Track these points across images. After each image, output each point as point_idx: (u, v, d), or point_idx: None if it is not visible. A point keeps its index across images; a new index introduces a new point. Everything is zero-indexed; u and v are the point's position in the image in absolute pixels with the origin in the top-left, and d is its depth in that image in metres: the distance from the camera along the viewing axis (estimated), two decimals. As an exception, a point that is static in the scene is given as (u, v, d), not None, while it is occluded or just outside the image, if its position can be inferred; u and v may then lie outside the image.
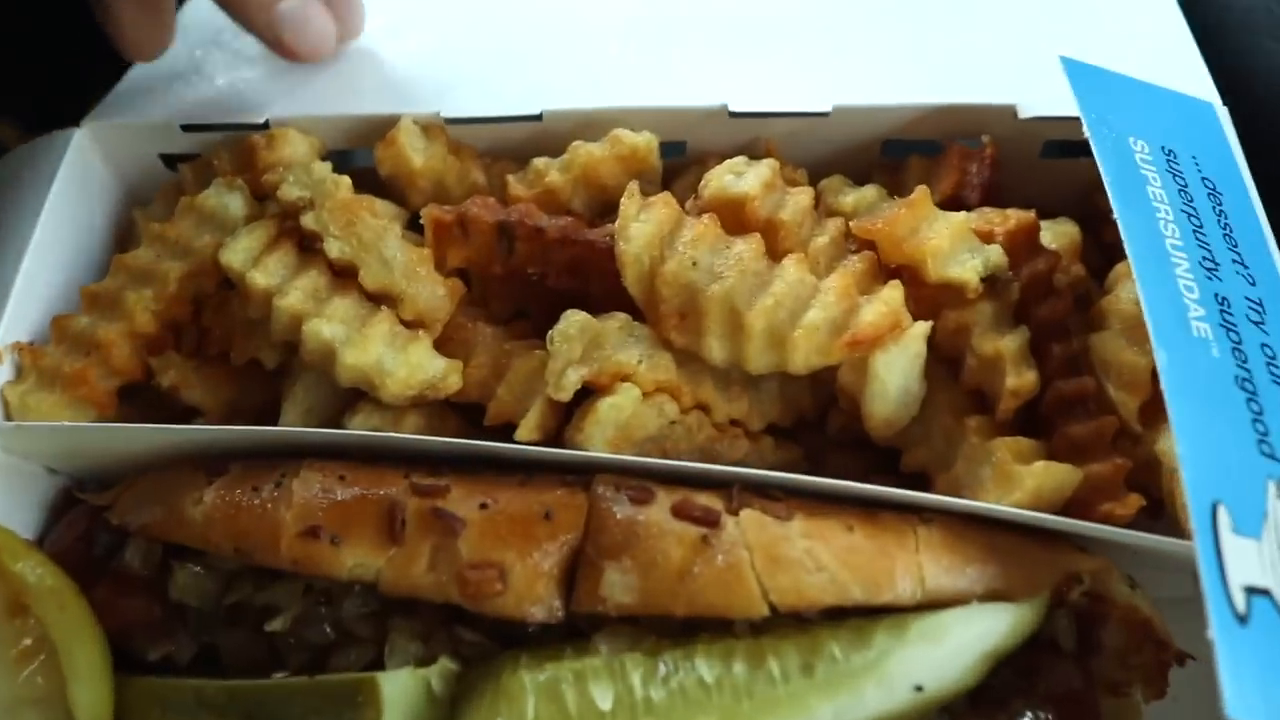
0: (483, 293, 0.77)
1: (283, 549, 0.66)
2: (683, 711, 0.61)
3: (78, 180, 0.86)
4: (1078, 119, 0.80)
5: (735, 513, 0.65)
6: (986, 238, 0.79)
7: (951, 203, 0.83)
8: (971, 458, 0.71)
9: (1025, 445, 0.71)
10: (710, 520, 0.65)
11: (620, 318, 0.71)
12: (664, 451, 0.71)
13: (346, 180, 0.77)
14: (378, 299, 0.71)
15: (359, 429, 0.74)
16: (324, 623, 0.68)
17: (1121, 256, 0.83)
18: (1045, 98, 0.85)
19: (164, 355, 0.79)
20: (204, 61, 0.92)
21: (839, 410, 0.78)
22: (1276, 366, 0.71)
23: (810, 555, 0.64)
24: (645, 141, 0.81)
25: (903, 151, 0.90)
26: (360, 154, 0.90)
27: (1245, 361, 0.70)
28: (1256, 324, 0.73)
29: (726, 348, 0.70)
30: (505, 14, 0.96)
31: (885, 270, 0.77)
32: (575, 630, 0.67)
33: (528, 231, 0.71)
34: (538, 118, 0.85)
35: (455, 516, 0.65)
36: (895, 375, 0.70)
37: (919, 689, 0.62)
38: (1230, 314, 0.72)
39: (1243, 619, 0.56)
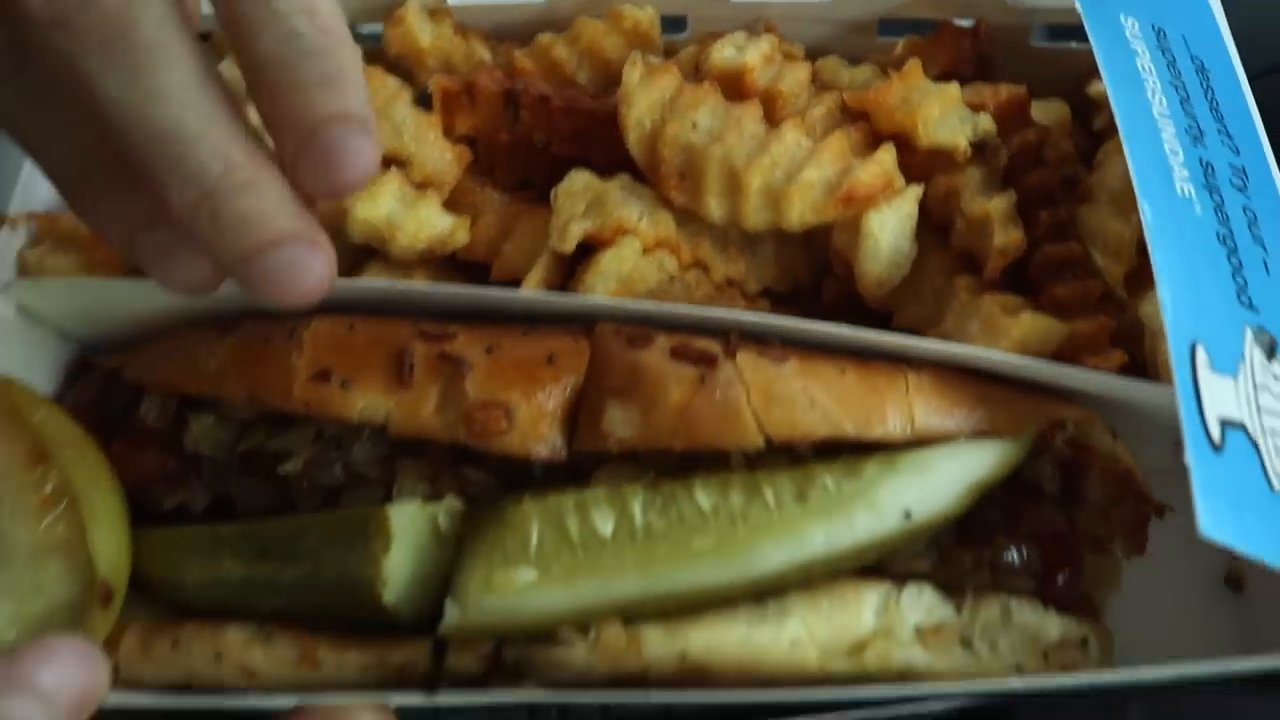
0: (489, 163, 0.79)
1: (295, 392, 0.69)
2: (681, 535, 0.64)
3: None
4: (1070, 6, 0.82)
5: (732, 355, 0.68)
6: (977, 109, 0.81)
7: (944, 79, 0.85)
8: (960, 313, 0.74)
9: (1012, 300, 0.74)
10: (708, 360, 0.67)
11: (622, 178, 0.74)
12: (663, 308, 0.74)
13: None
14: (387, 161, 0.74)
15: (369, 286, 0.76)
16: (334, 465, 0.70)
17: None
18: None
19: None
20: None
21: (834, 278, 0.81)
22: (1258, 227, 0.74)
23: (804, 392, 0.67)
24: (648, 16, 0.83)
25: (899, 32, 0.92)
26: (367, 39, 0.92)
27: (1227, 220, 0.73)
28: (1239, 189, 0.76)
29: (725, 206, 0.73)
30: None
31: (878, 139, 0.79)
32: (577, 472, 0.69)
33: (533, 100, 0.73)
34: (543, -1, 0.87)
35: (462, 359, 0.68)
36: (887, 234, 0.73)
37: (908, 515, 0.65)
38: (1214, 178, 0.75)
39: (1217, 447, 0.59)
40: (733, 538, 0.64)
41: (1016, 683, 0.67)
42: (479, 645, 0.66)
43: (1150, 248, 0.64)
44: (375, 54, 0.87)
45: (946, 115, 0.78)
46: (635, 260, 0.71)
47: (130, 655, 0.72)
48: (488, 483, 0.70)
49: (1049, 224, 0.79)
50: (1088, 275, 0.79)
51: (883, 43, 0.92)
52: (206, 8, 0.55)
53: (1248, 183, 0.77)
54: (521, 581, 0.64)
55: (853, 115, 0.80)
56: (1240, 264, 0.69)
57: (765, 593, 0.65)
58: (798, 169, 0.71)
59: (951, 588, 0.69)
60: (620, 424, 0.66)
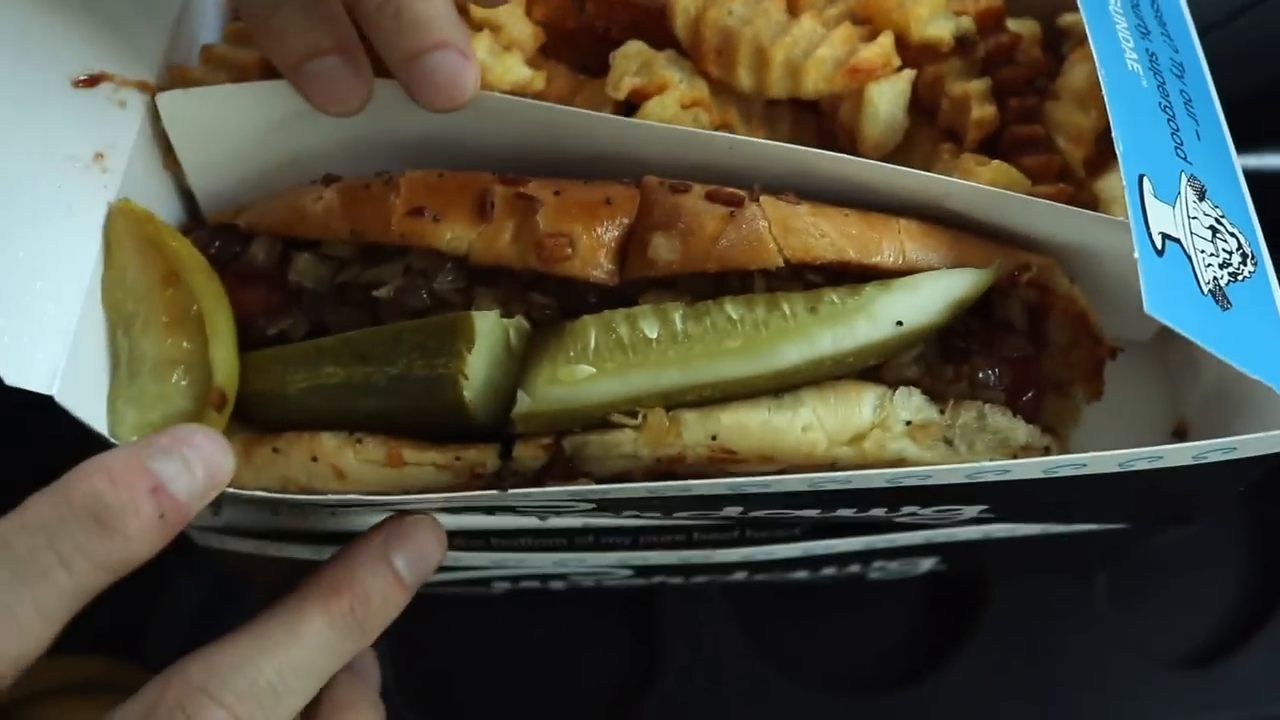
0: (556, 46, 0.94)
1: (393, 225, 0.81)
2: (714, 338, 0.77)
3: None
4: None
5: (756, 199, 0.81)
6: (960, 15, 0.96)
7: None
8: (942, 170, 0.88)
9: (985, 158, 0.88)
10: (736, 202, 0.81)
11: (669, 51, 0.89)
12: (696, 157, 0.88)
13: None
14: (480, 27, 0.88)
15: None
16: (421, 291, 0.82)
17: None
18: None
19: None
20: None
21: (838, 150, 0.95)
22: (1193, 107, 0.88)
23: (815, 226, 0.80)
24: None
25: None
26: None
27: (1167, 96, 0.87)
28: (1178, 76, 0.90)
29: (753, 76, 0.88)
30: None
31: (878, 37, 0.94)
32: (625, 301, 0.82)
33: None
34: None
35: (535, 198, 0.81)
36: (885, 102, 0.88)
37: (899, 323, 0.78)
38: (1158, 65, 0.89)
39: (1160, 252, 0.73)
40: (757, 339, 0.77)
41: (989, 466, 0.77)
42: (541, 438, 0.78)
43: (1106, 99, 0.77)
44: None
45: (934, 15, 0.93)
46: (675, 110, 0.86)
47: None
48: (551, 307, 0.82)
49: (1018, 110, 0.94)
50: (1050, 153, 0.93)
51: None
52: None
53: (1184, 75, 0.91)
54: (581, 375, 0.77)
55: (858, 19, 0.94)
56: (1177, 128, 0.83)
57: (783, 389, 0.79)
58: (813, 48, 0.86)
59: (936, 395, 0.81)
60: (664, 250, 0.80)
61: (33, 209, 0.79)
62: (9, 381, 0.69)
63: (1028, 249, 0.88)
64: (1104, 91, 0.79)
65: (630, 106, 0.91)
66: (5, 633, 0.56)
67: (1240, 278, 0.79)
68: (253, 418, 0.85)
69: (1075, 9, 1.06)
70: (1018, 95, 0.96)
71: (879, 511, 0.87)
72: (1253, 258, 0.80)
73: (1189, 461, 0.76)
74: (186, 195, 0.95)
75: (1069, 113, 0.96)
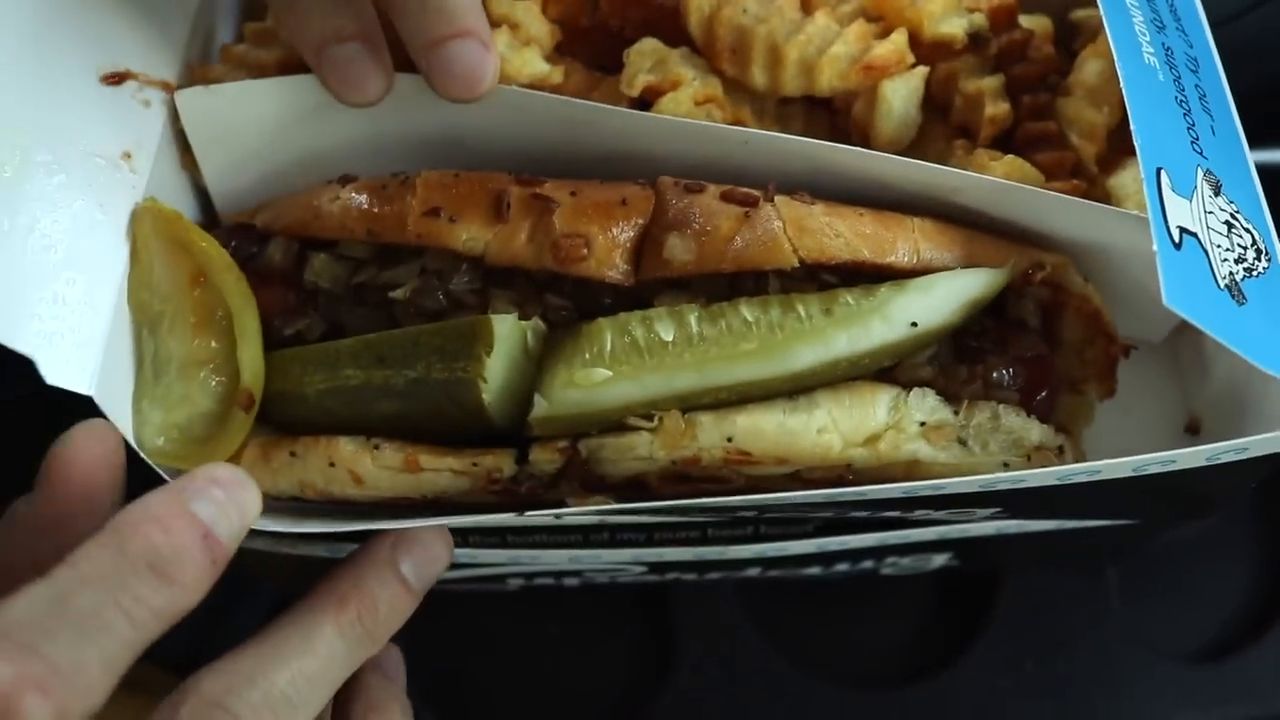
0: (570, 45, 0.94)
1: (409, 226, 0.82)
2: (730, 341, 0.78)
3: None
4: None
5: (770, 199, 0.82)
6: (972, 12, 0.96)
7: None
8: (956, 166, 0.88)
9: (999, 153, 0.88)
10: (750, 202, 0.81)
11: (682, 49, 0.89)
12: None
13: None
14: (499, 23, 0.88)
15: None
16: (437, 292, 0.83)
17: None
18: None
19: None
20: None
21: (850, 148, 0.96)
22: (1207, 102, 0.88)
23: (830, 226, 0.80)
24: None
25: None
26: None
27: (1183, 90, 0.87)
28: (1192, 71, 0.90)
29: (767, 75, 0.88)
30: None
31: (891, 34, 0.94)
32: (639, 303, 0.82)
33: None
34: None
35: (551, 199, 0.81)
36: (899, 100, 0.87)
37: (914, 325, 0.78)
38: (1173, 60, 0.89)
39: (1177, 245, 0.73)
40: (772, 341, 0.77)
41: (1003, 477, 0.77)
42: (557, 441, 0.78)
43: (1125, 95, 0.77)
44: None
45: (947, 12, 0.93)
46: (689, 107, 0.86)
47: (252, 464, 0.83)
48: (567, 308, 0.82)
49: (1030, 106, 0.94)
50: (1063, 149, 0.93)
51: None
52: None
53: (1199, 69, 0.91)
54: (598, 378, 0.77)
55: (871, 17, 0.94)
56: (1193, 123, 0.83)
57: (797, 390, 0.79)
58: (827, 45, 0.85)
59: (950, 395, 0.81)
60: (680, 250, 0.80)
61: (67, 207, 0.78)
62: (50, 380, 0.69)
63: (1041, 247, 0.88)
64: (1122, 85, 0.79)
65: (644, 104, 0.91)
66: (76, 691, 0.56)
67: (1255, 273, 0.79)
68: (269, 417, 0.86)
69: (1087, 4, 1.06)
70: (1030, 92, 0.96)
71: (893, 512, 0.88)
72: (1267, 253, 0.80)
73: (1202, 463, 0.77)
74: (201, 195, 0.96)
75: (1081, 109, 0.95)
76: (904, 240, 0.82)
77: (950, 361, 0.83)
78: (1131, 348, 0.93)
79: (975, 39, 0.93)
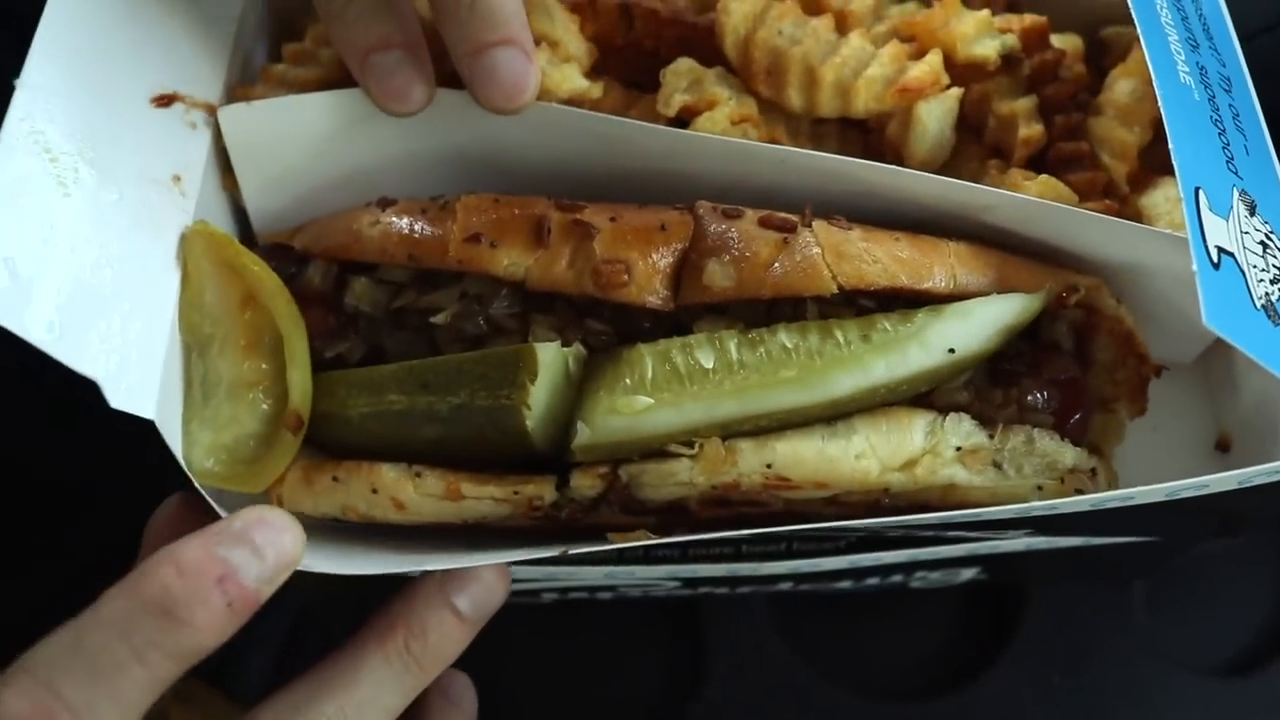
0: (605, 64, 0.95)
1: (451, 252, 0.82)
2: (769, 368, 0.78)
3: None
4: None
5: (809, 224, 0.82)
6: (1005, 32, 0.96)
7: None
8: (990, 186, 0.89)
9: (1032, 173, 0.89)
10: (789, 228, 0.82)
11: (718, 69, 0.90)
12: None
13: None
14: (539, 41, 0.88)
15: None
16: (477, 317, 0.83)
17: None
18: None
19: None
20: None
21: (884, 168, 0.96)
22: (1240, 121, 0.89)
23: (868, 252, 0.81)
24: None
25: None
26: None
27: (1217, 110, 0.87)
28: (1225, 90, 0.90)
29: (803, 97, 0.89)
30: None
31: (924, 55, 0.94)
32: (678, 328, 0.83)
33: (645, 13, 0.90)
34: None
35: (591, 225, 0.82)
36: (934, 121, 0.88)
37: (951, 351, 0.79)
38: (1208, 79, 0.89)
39: (1216, 266, 0.74)
40: (811, 368, 0.78)
41: (1037, 506, 0.78)
42: (598, 467, 0.79)
43: (1163, 113, 0.78)
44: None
45: (980, 34, 0.93)
46: (725, 126, 0.87)
47: (294, 487, 0.85)
48: (607, 333, 0.83)
49: (1063, 127, 0.94)
50: (1095, 169, 0.94)
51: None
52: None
53: (1232, 88, 0.91)
54: (640, 405, 0.78)
55: (904, 37, 0.95)
56: (1228, 142, 0.84)
57: (836, 416, 0.80)
58: (863, 67, 0.86)
59: (985, 419, 0.82)
60: (719, 276, 0.80)
61: (123, 229, 0.79)
62: (114, 404, 0.70)
63: (1074, 269, 0.89)
64: (1160, 104, 0.80)
65: (680, 123, 0.92)
66: None
67: (1290, 294, 0.79)
68: (312, 437, 0.86)
69: (1117, 20, 1.07)
70: (1062, 111, 0.96)
71: (926, 532, 0.88)
72: (1300, 274, 0.81)
73: (1234, 487, 0.77)
74: (239, 215, 0.96)
75: (1112, 128, 0.96)
76: (940, 265, 0.83)
77: (986, 385, 0.84)
78: (1163, 368, 0.93)
79: (1008, 60, 0.94)
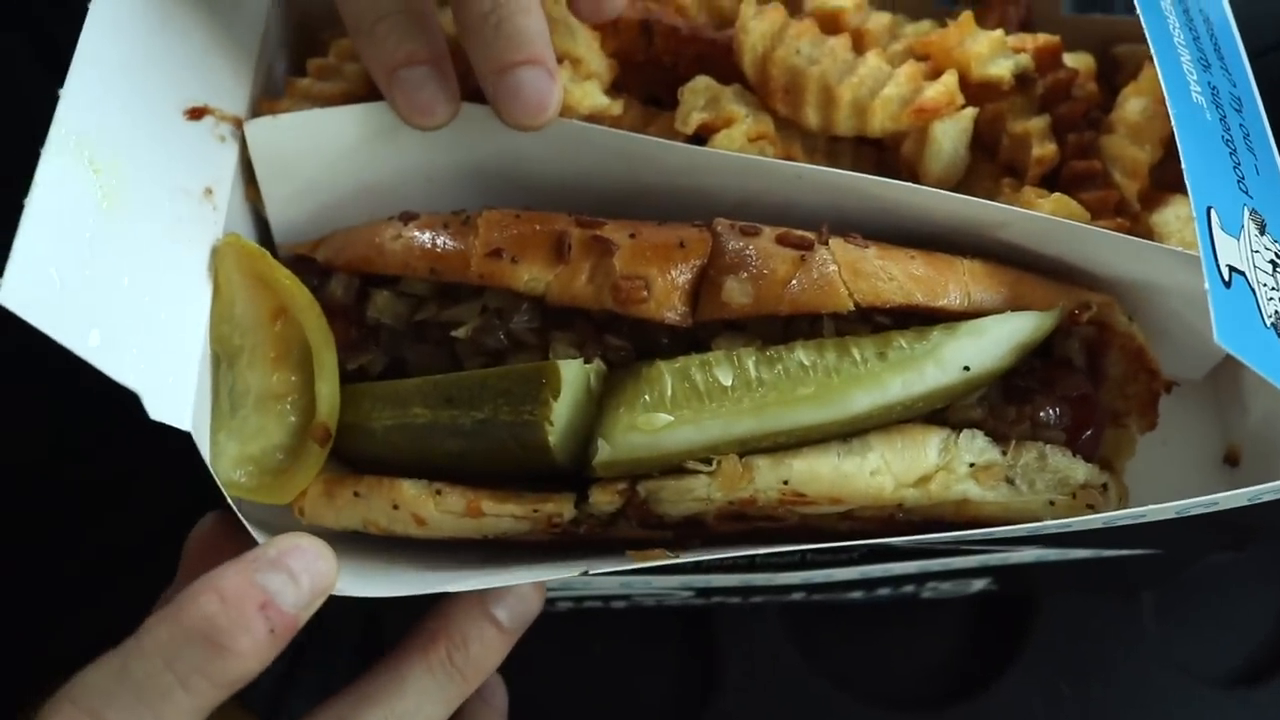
0: (625, 79, 0.96)
1: (472, 266, 0.83)
2: (787, 385, 0.79)
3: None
4: None
5: (825, 242, 0.83)
6: (1018, 52, 0.97)
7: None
8: (1004, 204, 0.90)
9: (1046, 191, 0.90)
10: (806, 245, 0.83)
11: (735, 86, 0.91)
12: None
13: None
14: (561, 58, 0.90)
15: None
16: (498, 332, 0.85)
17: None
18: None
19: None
20: None
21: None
22: (1250, 141, 0.90)
23: (884, 269, 0.82)
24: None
25: (953, 3, 1.08)
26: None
27: (1228, 130, 0.88)
28: (1236, 110, 0.91)
29: (820, 115, 0.90)
30: None
31: (939, 74, 0.95)
32: (696, 344, 0.83)
33: (665, 29, 0.92)
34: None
35: (611, 241, 0.83)
36: (949, 140, 0.90)
37: (967, 369, 0.80)
38: (1219, 99, 0.90)
39: (1227, 284, 0.75)
40: (829, 386, 0.79)
41: (1050, 524, 0.79)
42: (617, 483, 0.80)
43: (1176, 132, 0.79)
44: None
45: (994, 54, 0.94)
46: (742, 143, 0.89)
47: (315, 501, 0.86)
48: (626, 349, 0.83)
49: (1075, 145, 0.96)
50: (1108, 187, 0.95)
51: (937, 11, 1.08)
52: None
53: (1242, 108, 0.92)
54: (660, 423, 0.78)
55: (919, 56, 0.96)
56: (1238, 162, 0.85)
57: (852, 433, 0.81)
58: (880, 87, 0.88)
59: (998, 436, 0.82)
60: (737, 293, 0.82)
61: (159, 241, 0.80)
62: (153, 416, 0.71)
63: (1086, 286, 0.90)
64: (1173, 124, 0.81)
65: (698, 140, 0.93)
66: None
67: (1298, 313, 0.80)
68: (334, 448, 0.87)
69: (1129, 39, 1.08)
70: (1074, 129, 0.97)
71: (940, 546, 0.90)
72: (1309, 293, 0.82)
73: (1245, 504, 0.78)
74: (261, 226, 0.98)
75: (1124, 146, 0.97)
76: (955, 283, 0.84)
77: (999, 402, 0.85)
78: (1174, 383, 0.94)
79: (1022, 79, 0.95)
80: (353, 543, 0.88)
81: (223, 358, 0.84)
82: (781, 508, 0.81)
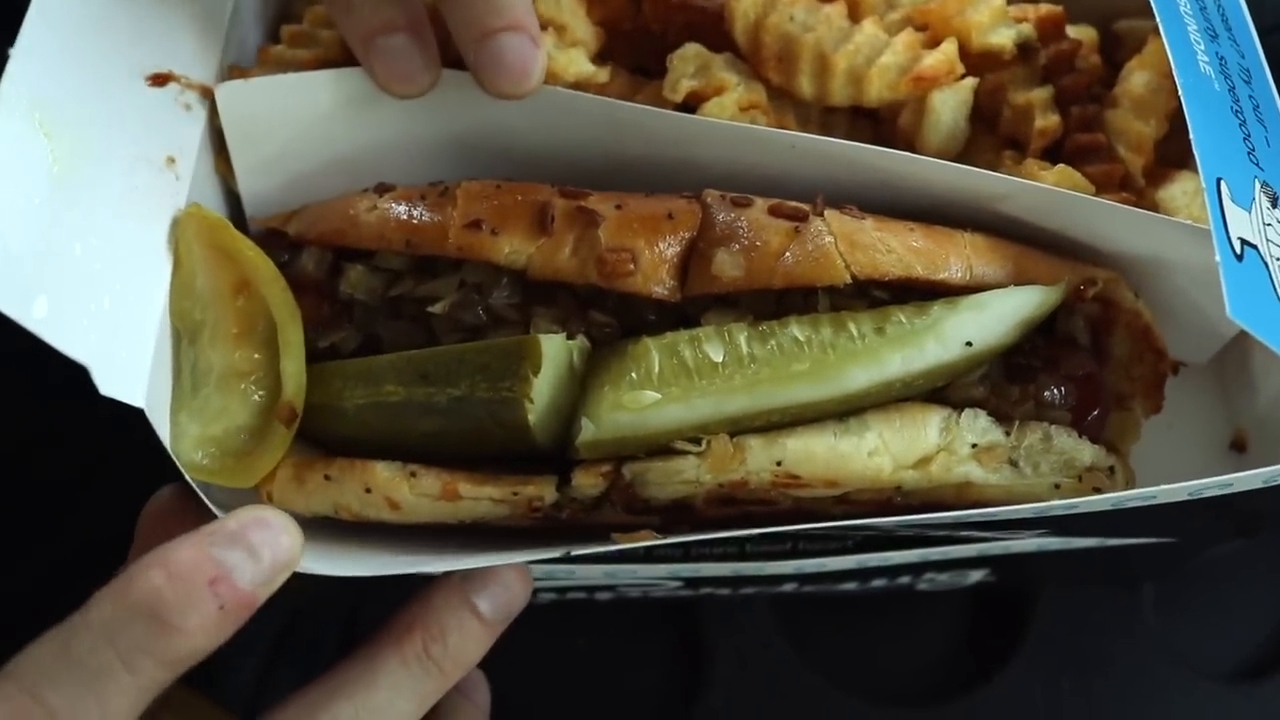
0: (612, 48, 0.93)
1: (450, 238, 0.80)
2: (781, 361, 0.76)
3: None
4: None
5: (820, 213, 0.80)
6: (1020, 22, 0.94)
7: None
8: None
9: (1048, 164, 0.87)
10: (800, 216, 0.79)
11: (727, 54, 0.87)
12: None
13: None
14: (544, 25, 0.86)
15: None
16: (476, 307, 0.80)
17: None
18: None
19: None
20: None
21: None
22: (1260, 112, 0.87)
23: (882, 241, 0.78)
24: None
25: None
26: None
27: (1237, 101, 0.85)
28: (1245, 81, 0.88)
29: (814, 84, 0.86)
30: None
31: (938, 44, 0.92)
32: (684, 320, 0.80)
33: None
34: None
35: (596, 212, 0.79)
36: (948, 111, 0.86)
37: (968, 344, 0.76)
38: (1227, 69, 0.87)
39: (1239, 257, 0.72)
40: (825, 362, 0.75)
41: (1058, 504, 0.75)
42: (601, 465, 0.76)
43: (1184, 103, 0.76)
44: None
45: (995, 23, 0.91)
46: (733, 112, 0.85)
47: (285, 485, 0.81)
48: (611, 325, 0.80)
49: (1079, 118, 0.92)
50: (1112, 161, 0.92)
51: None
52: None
53: (1251, 80, 0.89)
54: (647, 400, 0.75)
55: (918, 26, 0.92)
56: (1249, 134, 0.81)
57: (848, 412, 0.77)
58: (876, 55, 0.84)
59: (1001, 416, 0.80)
60: (728, 266, 0.78)
61: (114, 209, 0.76)
62: (104, 391, 0.67)
63: (1091, 262, 0.86)
64: (1180, 94, 0.78)
65: (687, 109, 0.89)
66: None
67: (1312, 287, 0.77)
68: (304, 430, 0.83)
69: (1131, 14, 1.05)
70: (1078, 103, 0.94)
71: (938, 532, 0.86)
72: (1321, 268, 0.79)
73: (1260, 485, 0.75)
74: (231, 200, 0.93)
75: (1129, 121, 0.94)
76: (956, 256, 0.80)
77: (1002, 381, 0.81)
78: (1180, 364, 0.91)
79: (1024, 49, 0.91)
80: (326, 527, 0.84)
81: (184, 334, 0.80)
82: (774, 491, 0.77)
